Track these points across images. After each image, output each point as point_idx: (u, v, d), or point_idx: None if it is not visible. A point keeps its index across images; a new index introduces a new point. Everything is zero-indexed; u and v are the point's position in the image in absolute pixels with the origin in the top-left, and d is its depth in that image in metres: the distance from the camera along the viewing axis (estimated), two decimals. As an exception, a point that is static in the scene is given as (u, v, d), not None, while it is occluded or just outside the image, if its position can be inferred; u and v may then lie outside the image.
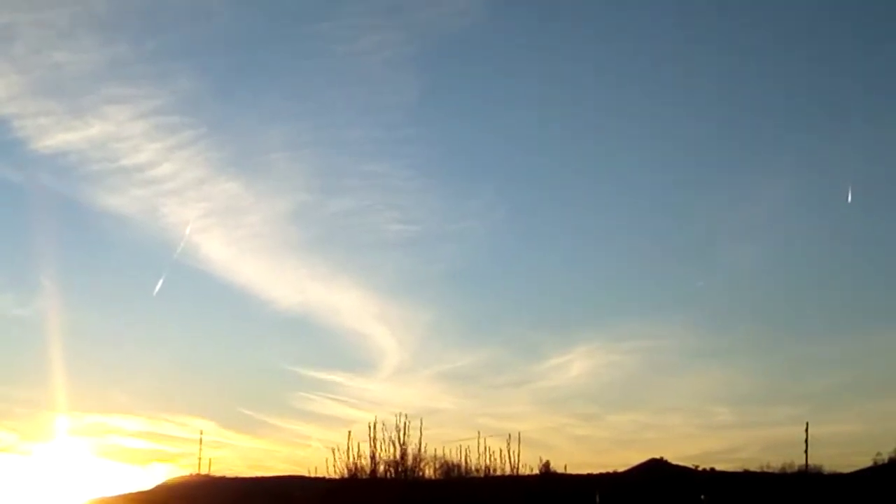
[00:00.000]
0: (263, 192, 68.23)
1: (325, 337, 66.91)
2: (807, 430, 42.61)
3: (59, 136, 60.36)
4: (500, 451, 28.56)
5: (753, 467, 46.50)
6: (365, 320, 66.35)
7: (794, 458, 44.41)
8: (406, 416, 27.05)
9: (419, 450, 27.46)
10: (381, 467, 27.54)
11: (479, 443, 28.80)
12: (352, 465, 27.28)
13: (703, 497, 29.36)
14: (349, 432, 27.83)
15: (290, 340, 68.01)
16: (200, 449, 50.02)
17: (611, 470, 42.25)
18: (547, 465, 32.51)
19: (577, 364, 62.81)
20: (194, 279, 66.09)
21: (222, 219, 68.02)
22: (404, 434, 26.89)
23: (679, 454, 54.14)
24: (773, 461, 46.82)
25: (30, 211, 62.53)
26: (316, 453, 60.27)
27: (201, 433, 51.19)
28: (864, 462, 45.28)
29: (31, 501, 39.77)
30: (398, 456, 26.88)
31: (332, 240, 70.89)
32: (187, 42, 67.47)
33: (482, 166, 73.13)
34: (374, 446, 26.97)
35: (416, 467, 27.61)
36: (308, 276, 67.53)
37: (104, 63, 63.22)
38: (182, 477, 48.39)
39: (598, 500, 27.41)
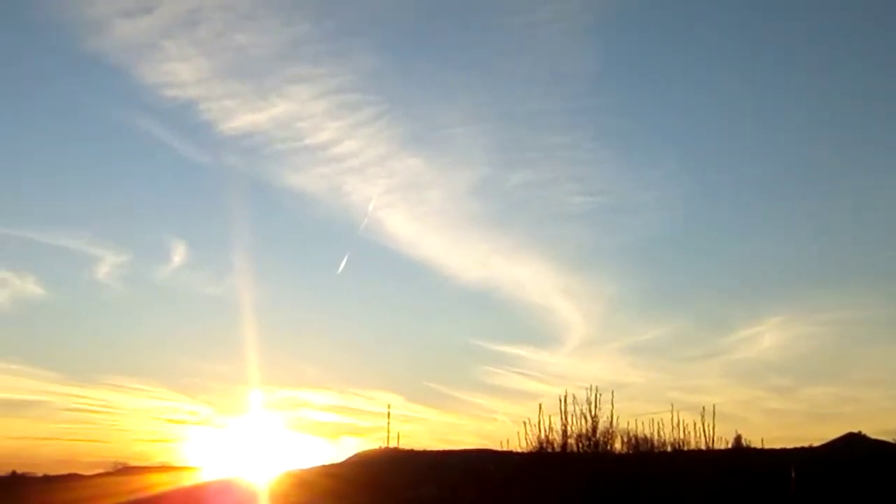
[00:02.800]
0: (445, 166, 69.36)
1: (509, 311, 67.55)
2: None
3: (244, 117, 63.48)
4: (695, 424, 28.10)
5: (959, 441, 44.20)
6: (548, 293, 66.66)
7: None
8: (597, 388, 26.94)
9: (611, 423, 27.31)
10: (571, 441, 27.56)
11: (672, 416, 28.39)
12: (543, 439, 27.39)
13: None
14: (540, 405, 27.91)
15: (474, 314, 69.23)
16: (388, 422, 51.21)
17: (806, 444, 41.02)
18: (738, 439, 31.77)
19: (768, 336, 61.29)
20: (378, 255, 68.15)
21: (405, 195, 69.43)
22: (595, 407, 26.79)
23: (878, 428, 51.81)
24: (981, 434, 44.40)
25: (218, 191, 66.21)
26: (503, 427, 60.94)
27: (388, 407, 52.38)
28: None
29: (227, 473, 41.25)
30: (589, 430, 26.82)
31: (514, 213, 71.37)
32: (367, 19, 68.95)
33: (665, 136, 72.13)
34: (566, 420, 26.99)
35: (606, 441, 27.49)
36: (491, 250, 68.40)
37: (286, 43, 65.70)
38: (372, 450, 49.60)
39: (793, 475, 26.54)
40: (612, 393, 27.09)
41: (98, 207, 72.73)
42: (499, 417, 54.76)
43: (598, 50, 67.51)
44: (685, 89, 71.19)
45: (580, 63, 67.28)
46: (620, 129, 71.74)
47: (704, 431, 27.93)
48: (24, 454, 66.87)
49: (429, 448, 48.60)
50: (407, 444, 49.99)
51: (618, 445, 28.68)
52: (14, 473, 49.18)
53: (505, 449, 30.21)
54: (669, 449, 28.61)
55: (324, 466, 44.32)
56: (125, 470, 48.64)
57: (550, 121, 68.69)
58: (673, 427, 28.35)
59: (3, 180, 69.49)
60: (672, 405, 28.72)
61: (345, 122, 65.72)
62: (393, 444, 49.75)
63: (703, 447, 28.05)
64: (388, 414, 51.71)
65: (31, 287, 64.22)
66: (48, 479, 47.92)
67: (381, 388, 65.46)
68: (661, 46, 70.43)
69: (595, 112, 69.80)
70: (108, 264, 63.83)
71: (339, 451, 51.80)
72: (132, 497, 35.16)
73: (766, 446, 33.32)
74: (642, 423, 29.22)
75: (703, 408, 28.25)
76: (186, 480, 40.82)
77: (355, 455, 49.46)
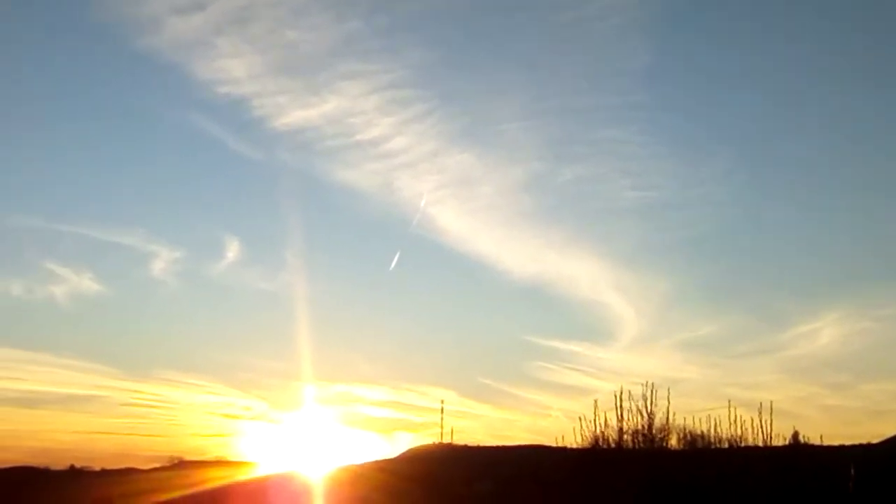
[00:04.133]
0: (496, 162, 69.44)
1: (562, 306, 67.57)
2: None
3: (296, 113, 64.37)
4: (752, 421, 27.89)
5: None
6: (601, 289, 66.49)
7: None
8: (653, 384, 26.87)
9: (667, 419, 27.22)
10: (627, 437, 27.51)
11: (729, 412, 28.19)
12: (598, 435, 27.37)
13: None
14: (595, 401, 27.89)
15: (527, 310, 69.42)
16: (442, 418, 51.37)
17: (864, 441, 40.54)
18: (796, 435, 31.47)
19: (825, 332, 60.65)
20: (430, 251, 68.38)
21: (456, 190, 69.81)
22: (651, 403, 26.72)
23: (938, 424, 51.21)
24: None
25: (271, 187, 66.90)
26: (557, 423, 61.01)
27: (442, 402, 52.55)
28: None
29: (282, 468, 41.67)
30: (645, 426, 26.75)
31: (566, 208, 71.19)
32: (417, 15, 68.96)
33: (717, 130, 71.54)
34: (621, 416, 26.94)
35: (662, 437, 27.40)
36: (543, 246, 68.37)
37: (338, 39, 66.43)
38: (426, 446, 49.84)
39: (852, 472, 26.29)
40: (668, 389, 26.98)
41: (153, 204, 74.04)
42: (553, 413, 54.77)
43: (650, 44, 67.31)
44: (737, 83, 70.67)
45: (631, 58, 66.97)
46: (672, 124, 71.50)
47: (762, 428, 27.69)
48: (81, 448, 68.31)
49: (483, 444, 48.67)
50: (461, 439, 50.29)
51: (674, 442, 28.52)
52: (72, 467, 50.24)
53: (560, 445, 30.18)
54: (726, 445, 28.38)
55: (378, 461, 44.61)
56: (181, 464, 49.43)
57: (602, 115, 68.48)
58: (730, 423, 28.11)
59: (60, 178, 70.87)
60: (729, 401, 28.51)
61: (396, 118, 66.06)
62: (447, 440, 50.04)
63: (760, 444, 27.80)
64: (442, 409, 52.01)
65: (87, 283, 65.46)
66: (105, 473, 48.84)
67: (434, 384, 65.71)
68: (712, 41, 69.95)
69: (646, 107, 69.44)
70: (164, 260, 64.88)
71: (393, 446, 52.10)
72: (189, 491, 35.70)
73: (824, 443, 33.02)
74: (699, 420, 29.02)
75: (760, 404, 27.98)
76: (242, 475, 41.31)
77: (409, 450, 49.66)
